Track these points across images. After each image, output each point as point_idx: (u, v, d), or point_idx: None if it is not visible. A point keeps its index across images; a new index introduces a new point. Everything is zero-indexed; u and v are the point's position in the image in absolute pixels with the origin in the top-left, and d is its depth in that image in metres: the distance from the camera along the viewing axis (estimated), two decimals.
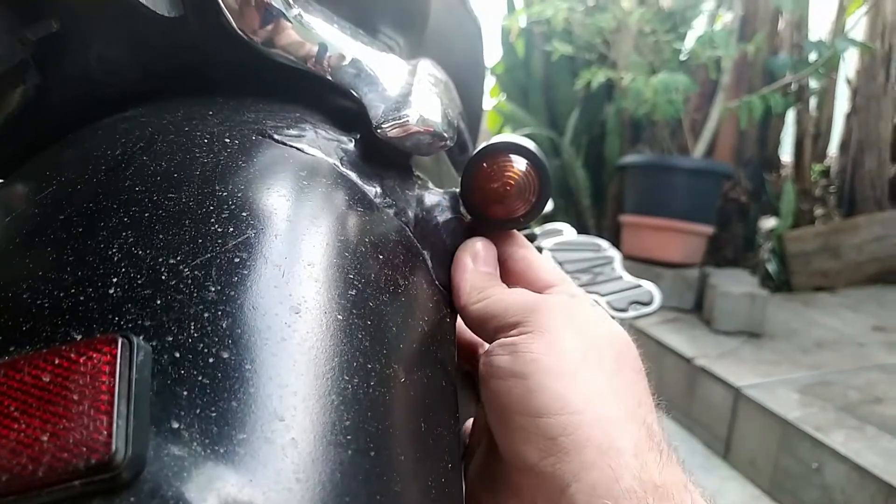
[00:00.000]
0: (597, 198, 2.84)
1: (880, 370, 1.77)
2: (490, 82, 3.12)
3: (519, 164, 0.32)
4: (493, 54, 3.06)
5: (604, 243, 0.97)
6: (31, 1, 0.30)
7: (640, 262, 2.37)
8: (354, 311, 0.23)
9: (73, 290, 0.21)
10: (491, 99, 3.12)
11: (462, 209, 0.34)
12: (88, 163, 0.26)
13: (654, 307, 0.81)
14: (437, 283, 0.32)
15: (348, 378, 0.21)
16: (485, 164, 0.32)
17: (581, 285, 0.82)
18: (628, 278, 0.88)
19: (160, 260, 0.22)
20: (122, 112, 0.31)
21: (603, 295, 0.82)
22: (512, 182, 0.32)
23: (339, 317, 0.23)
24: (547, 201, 0.32)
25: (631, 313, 0.80)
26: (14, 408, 0.17)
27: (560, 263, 0.87)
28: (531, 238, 0.80)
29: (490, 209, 0.32)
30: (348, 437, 0.20)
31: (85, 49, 0.32)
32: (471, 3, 0.68)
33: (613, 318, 0.80)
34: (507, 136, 0.32)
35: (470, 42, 0.69)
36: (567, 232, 1.02)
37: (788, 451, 1.49)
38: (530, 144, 0.32)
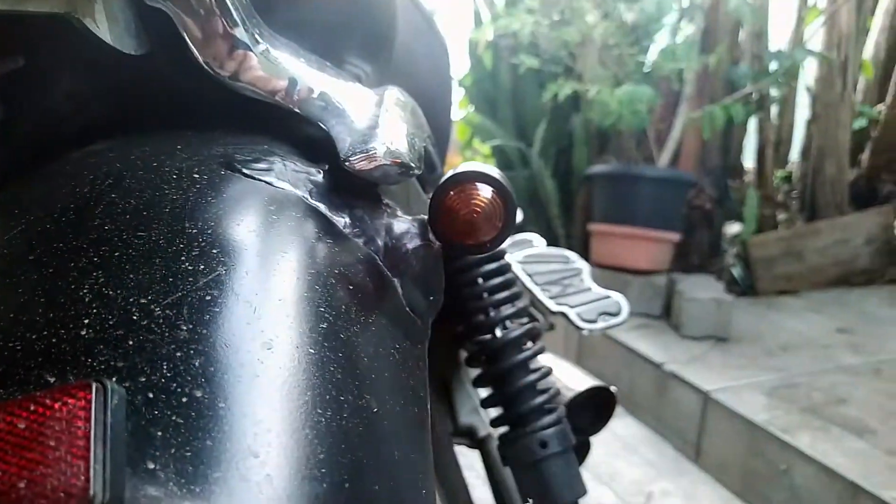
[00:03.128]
0: (566, 207, 2.87)
1: (843, 371, 1.81)
2: (459, 94, 3.14)
3: (485, 191, 0.33)
4: (461, 66, 3.08)
5: (572, 255, 0.99)
6: None
7: (609, 270, 2.40)
8: (326, 344, 0.24)
9: (45, 333, 0.21)
10: (460, 110, 3.14)
11: (431, 236, 0.34)
12: (57, 201, 0.26)
13: (623, 318, 0.83)
14: (407, 309, 0.32)
15: (321, 411, 0.22)
16: (452, 193, 0.33)
17: (551, 297, 0.83)
18: (597, 289, 0.89)
19: (131, 300, 0.22)
20: (89, 145, 0.32)
21: (572, 306, 0.83)
22: (479, 209, 0.33)
23: (311, 350, 0.23)
24: (513, 227, 0.33)
25: (600, 324, 0.81)
26: None
27: (529, 276, 0.88)
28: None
29: (458, 236, 0.33)
30: (322, 471, 0.20)
31: (51, 84, 0.32)
32: (437, 25, 0.69)
33: (582, 329, 0.81)
34: (474, 165, 0.33)
35: (437, 62, 0.70)
36: (537, 242, 1.03)
37: (757, 454, 1.52)
38: (496, 172, 0.33)
